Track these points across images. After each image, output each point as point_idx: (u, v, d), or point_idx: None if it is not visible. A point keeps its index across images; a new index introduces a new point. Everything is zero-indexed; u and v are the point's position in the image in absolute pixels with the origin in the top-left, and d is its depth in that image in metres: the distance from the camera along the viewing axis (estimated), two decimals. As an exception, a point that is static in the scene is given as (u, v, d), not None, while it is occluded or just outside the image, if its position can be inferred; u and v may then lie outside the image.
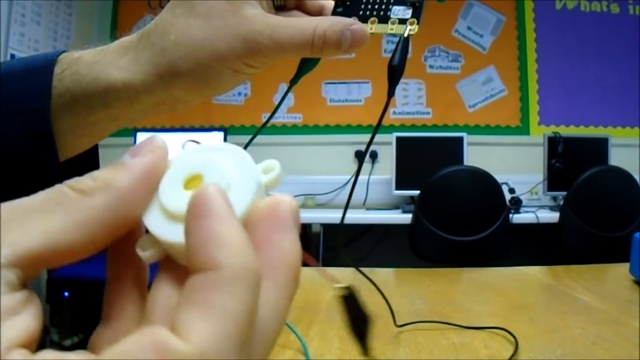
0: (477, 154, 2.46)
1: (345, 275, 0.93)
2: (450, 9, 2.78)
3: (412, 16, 0.32)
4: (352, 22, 0.31)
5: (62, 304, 1.94)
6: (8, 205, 0.16)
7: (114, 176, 0.17)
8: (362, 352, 0.30)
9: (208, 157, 0.18)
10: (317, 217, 2.19)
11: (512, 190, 2.28)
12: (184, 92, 0.32)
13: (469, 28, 2.77)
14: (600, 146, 2.42)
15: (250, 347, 0.15)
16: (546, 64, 2.74)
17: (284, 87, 2.74)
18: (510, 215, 2.06)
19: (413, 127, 2.73)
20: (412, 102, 2.76)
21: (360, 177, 2.62)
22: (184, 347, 0.13)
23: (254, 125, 2.77)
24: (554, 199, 2.50)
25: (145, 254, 0.18)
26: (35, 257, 0.15)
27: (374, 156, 2.68)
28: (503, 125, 2.74)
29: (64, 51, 0.34)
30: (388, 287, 0.81)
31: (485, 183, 1.99)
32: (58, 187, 0.17)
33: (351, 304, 0.30)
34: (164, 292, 0.17)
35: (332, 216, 2.17)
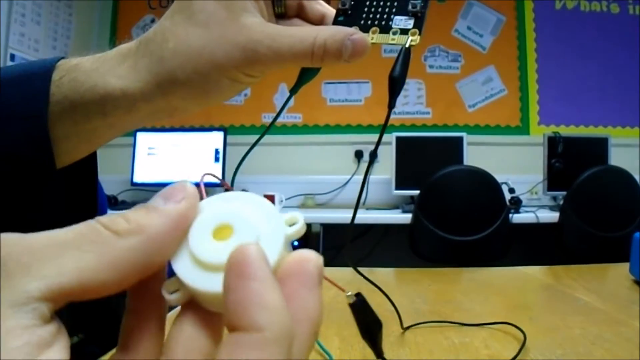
0: (477, 154, 2.46)
1: (346, 275, 0.93)
2: (450, 9, 2.78)
3: (414, 26, 0.31)
4: (353, 32, 0.30)
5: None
6: (43, 237, 0.17)
7: (147, 220, 0.18)
8: (375, 354, 0.31)
9: (236, 207, 0.19)
10: (317, 217, 2.19)
11: (512, 190, 2.28)
12: (182, 101, 0.32)
13: (468, 28, 2.77)
14: (600, 146, 2.42)
15: None
16: (546, 64, 2.74)
17: (284, 87, 2.75)
18: (510, 215, 2.06)
19: (413, 127, 2.73)
20: (412, 102, 2.77)
21: (361, 177, 2.62)
22: None
23: (254, 125, 2.77)
24: (554, 198, 2.50)
25: (171, 297, 0.18)
26: (66, 292, 0.16)
27: (373, 156, 2.68)
28: (503, 125, 2.74)
29: (62, 57, 0.33)
30: (388, 287, 0.80)
31: (485, 183, 1.99)
32: (92, 224, 0.17)
33: (362, 310, 0.31)
34: (185, 332, 0.18)
35: (332, 216, 2.17)
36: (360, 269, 0.45)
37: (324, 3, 0.35)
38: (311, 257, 0.18)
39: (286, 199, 2.44)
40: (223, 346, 0.16)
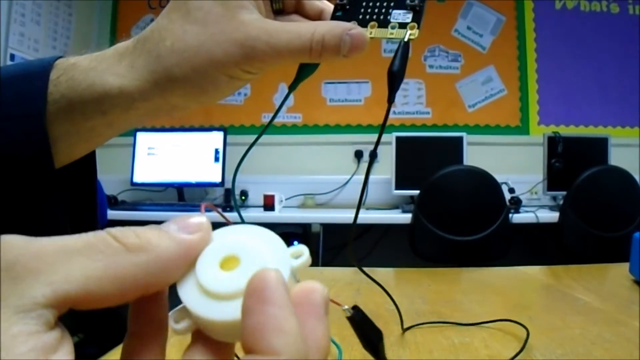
0: (477, 154, 2.46)
1: (345, 275, 0.93)
2: (450, 9, 2.78)
3: (413, 20, 0.31)
4: (351, 27, 0.30)
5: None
6: (51, 242, 0.17)
7: (157, 241, 0.18)
8: None
9: (244, 239, 0.20)
10: (316, 217, 2.19)
11: (511, 190, 2.28)
12: (180, 99, 0.32)
13: (468, 28, 2.77)
14: (600, 146, 2.42)
15: None
16: (546, 64, 2.74)
17: (284, 87, 2.74)
18: (510, 215, 2.06)
19: (413, 127, 2.73)
20: (411, 102, 2.77)
21: (361, 177, 2.62)
22: None
23: (254, 125, 2.77)
24: (554, 198, 2.50)
25: (178, 327, 0.19)
26: (71, 299, 0.16)
27: (373, 156, 2.68)
28: (503, 125, 2.74)
29: (60, 56, 0.33)
30: (388, 286, 0.80)
31: (485, 183, 1.99)
32: (102, 235, 0.18)
33: (360, 323, 0.31)
34: None
35: (332, 216, 2.17)
36: (365, 272, 0.45)
37: None
38: (317, 288, 0.19)
39: (286, 199, 2.44)
40: None
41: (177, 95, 0.31)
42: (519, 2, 2.77)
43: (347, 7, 0.33)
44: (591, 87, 2.71)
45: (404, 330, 0.55)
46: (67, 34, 2.60)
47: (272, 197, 2.28)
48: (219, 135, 2.54)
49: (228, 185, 2.51)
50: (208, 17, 0.30)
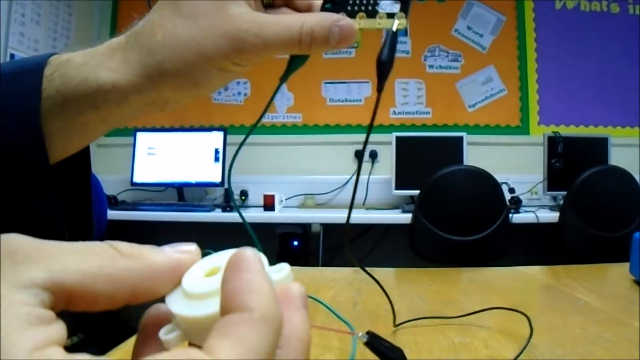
0: (477, 154, 2.46)
1: (345, 275, 0.93)
2: (450, 9, 2.78)
3: (401, 10, 0.32)
4: (340, 18, 0.31)
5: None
6: (52, 242, 0.18)
7: (149, 253, 0.20)
8: None
9: (228, 257, 0.20)
10: (316, 217, 2.19)
11: (512, 190, 2.28)
12: (172, 92, 0.32)
13: (468, 28, 2.77)
14: (600, 146, 2.42)
15: None
16: (546, 63, 2.74)
17: (284, 87, 2.74)
18: (510, 215, 2.06)
19: (413, 127, 2.73)
20: (411, 102, 2.77)
21: (361, 177, 2.62)
22: None
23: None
24: (554, 198, 2.50)
25: (166, 337, 0.20)
26: (66, 289, 0.17)
27: (373, 156, 2.69)
28: (503, 125, 2.74)
29: (54, 53, 0.33)
30: (388, 286, 0.80)
31: (485, 183, 1.99)
32: (100, 243, 0.19)
33: (378, 345, 0.32)
34: None
35: (332, 216, 2.17)
36: (364, 268, 0.45)
37: None
38: (294, 284, 0.20)
39: (286, 199, 2.44)
40: (215, 327, 0.17)
41: (170, 88, 0.32)
42: (519, 2, 2.77)
43: None
44: (591, 87, 2.71)
45: (396, 326, 0.55)
46: (67, 34, 2.60)
47: (272, 197, 2.28)
48: (219, 135, 2.54)
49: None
50: (198, 11, 0.30)
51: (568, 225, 2.03)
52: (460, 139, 2.44)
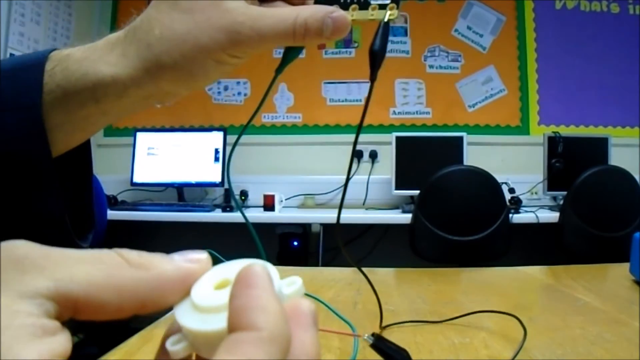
0: (477, 154, 2.46)
1: (345, 275, 0.93)
2: (450, 9, 2.78)
3: (392, 1, 0.33)
4: (333, 10, 0.31)
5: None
6: (59, 249, 0.18)
7: (159, 263, 0.20)
8: None
9: (239, 268, 0.20)
10: (316, 217, 2.19)
11: (512, 190, 2.28)
12: (171, 85, 0.33)
13: (468, 28, 2.77)
14: (600, 146, 2.42)
15: None
16: (546, 63, 2.74)
17: (283, 87, 2.74)
18: (510, 215, 2.06)
19: (413, 127, 2.73)
20: (411, 102, 2.76)
21: (361, 177, 2.62)
22: None
23: (253, 125, 2.76)
24: (554, 198, 2.50)
25: (173, 348, 0.19)
26: (72, 299, 0.17)
27: (373, 156, 2.69)
28: (503, 125, 2.74)
29: (55, 49, 0.34)
30: (388, 286, 0.81)
31: (485, 183, 1.99)
32: (108, 251, 0.19)
33: (383, 347, 0.32)
34: None
35: (332, 216, 2.17)
36: (358, 267, 0.45)
37: None
38: (304, 302, 0.20)
39: (286, 199, 2.44)
40: (222, 344, 0.16)
41: (168, 81, 0.32)
42: (519, 2, 2.77)
43: None
44: (591, 87, 2.71)
45: (382, 328, 0.55)
46: (67, 34, 2.60)
47: (272, 197, 2.28)
48: (219, 135, 2.54)
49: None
50: (194, 5, 0.31)
51: (568, 225, 2.03)
52: (460, 139, 2.44)
